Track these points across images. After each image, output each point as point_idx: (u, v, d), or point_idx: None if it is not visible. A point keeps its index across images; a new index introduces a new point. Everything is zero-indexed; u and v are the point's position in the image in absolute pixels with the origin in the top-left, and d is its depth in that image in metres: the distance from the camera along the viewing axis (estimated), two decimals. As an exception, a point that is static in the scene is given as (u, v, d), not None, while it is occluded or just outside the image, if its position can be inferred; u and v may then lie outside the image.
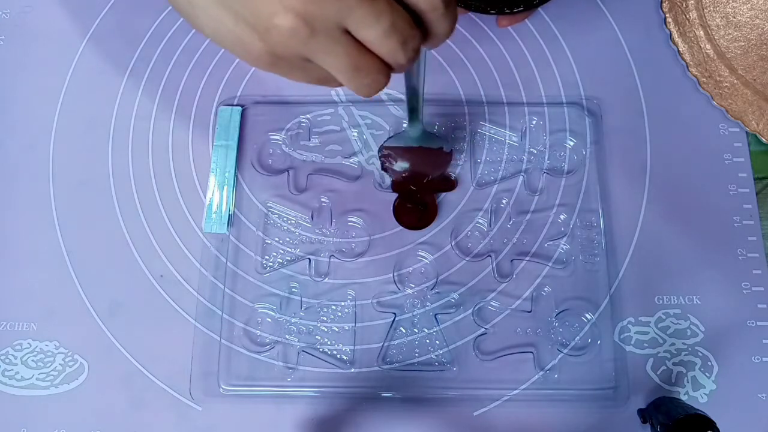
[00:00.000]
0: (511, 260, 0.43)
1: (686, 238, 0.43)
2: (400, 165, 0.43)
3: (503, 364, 0.41)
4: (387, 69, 0.29)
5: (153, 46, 0.48)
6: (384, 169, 0.44)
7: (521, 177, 0.44)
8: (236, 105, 0.46)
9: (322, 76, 0.30)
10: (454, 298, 0.42)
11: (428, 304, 0.42)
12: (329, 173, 0.45)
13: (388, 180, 0.44)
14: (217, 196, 0.44)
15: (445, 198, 0.44)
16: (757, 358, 0.41)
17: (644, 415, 0.39)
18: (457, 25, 0.30)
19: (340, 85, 0.30)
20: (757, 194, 0.44)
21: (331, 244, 0.43)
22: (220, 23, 0.29)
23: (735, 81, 0.46)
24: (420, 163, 0.43)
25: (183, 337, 0.41)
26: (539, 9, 0.48)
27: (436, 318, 0.42)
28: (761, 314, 0.42)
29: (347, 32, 0.27)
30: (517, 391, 0.40)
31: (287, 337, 0.41)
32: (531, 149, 0.45)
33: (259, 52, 0.28)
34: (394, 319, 0.42)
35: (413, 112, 0.38)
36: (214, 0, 0.29)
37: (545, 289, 0.42)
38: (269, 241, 0.43)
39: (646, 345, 0.41)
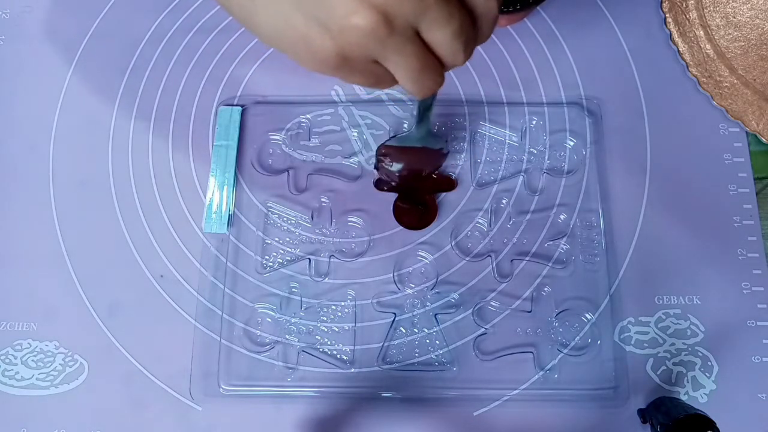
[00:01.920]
0: (511, 260, 0.43)
1: (686, 238, 0.43)
2: (396, 166, 0.43)
3: (503, 364, 0.41)
4: (443, 69, 0.30)
5: (153, 46, 0.48)
6: (377, 168, 0.44)
7: (521, 177, 0.44)
8: (236, 105, 0.46)
9: (381, 78, 0.30)
10: (454, 298, 0.42)
11: (428, 304, 0.42)
12: (329, 173, 0.45)
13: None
14: (217, 196, 0.44)
15: (445, 198, 0.44)
16: (757, 358, 0.41)
17: (644, 415, 0.39)
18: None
19: (391, 86, 0.30)
20: (757, 194, 0.44)
21: (331, 244, 0.43)
22: (286, 22, 0.28)
23: (735, 81, 0.46)
24: (416, 162, 0.43)
25: (183, 337, 0.41)
26: (538, 8, 0.48)
27: (436, 318, 0.42)
28: (761, 314, 0.42)
29: (417, 33, 0.28)
30: (517, 391, 0.40)
31: (287, 337, 0.41)
32: (531, 149, 0.45)
33: (327, 54, 0.28)
34: (394, 319, 0.42)
35: (426, 111, 0.38)
36: None
37: (545, 289, 0.42)
38: (269, 241, 0.43)
39: (646, 345, 0.41)
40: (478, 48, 0.47)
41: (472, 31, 0.28)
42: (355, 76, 0.30)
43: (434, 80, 0.30)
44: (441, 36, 0.27)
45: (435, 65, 0.29)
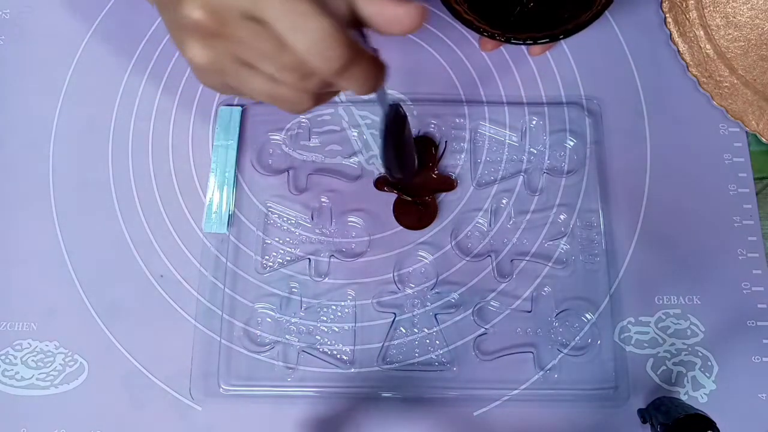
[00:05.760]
0: (511, 260, 0.43)
1: (686, 238, 0.43)
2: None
3: (503, 364, 0.41)
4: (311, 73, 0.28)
5: (153, 45, 0.48)
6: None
7: (521, 177, 0.44)
8: (236, 105, 0.46)
9: (265, 85, 0.29)
10: (454, 298, 0.42)
11: (428, 304, 0.42)
12: (329, 173, 0.45)
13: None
14: (217, 196, 0.44)
15: (445, 198, 0.44)
16: (757, 358, 0.41)
17: (644, 415, 0.39)
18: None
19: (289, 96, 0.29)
20: (757, 194, 0.44)
21: (331, 244, 0.43)
22: (169, 29, 0.29)
23: (735, 81, 0.46)
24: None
25: (183, 337, 0.41)
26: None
27: (436, 318, 0.42)
28: (761, 314, 0.42)
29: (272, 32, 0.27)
30: (517, 391, 0.40)
31: (287, 337, 0.41)
32: (531, 149, 0.45)
33: (195, 54, 0.28)
34: (394, 319, 0.42)
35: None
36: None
37: (545, 289, 0.42)
38: (269, 241, 0.43)
39: (646, 345, 0.41)
40: (478, 47, 0.47)
41: (320, 22, 0.25)
42: (241, 84, 0.29)
43: (304, 83, 0.28)
44: (278, 26, 0.25)
45: (295, 64, 0.27)
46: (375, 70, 0.28)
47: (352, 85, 0.28)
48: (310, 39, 0.25)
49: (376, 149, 0.45)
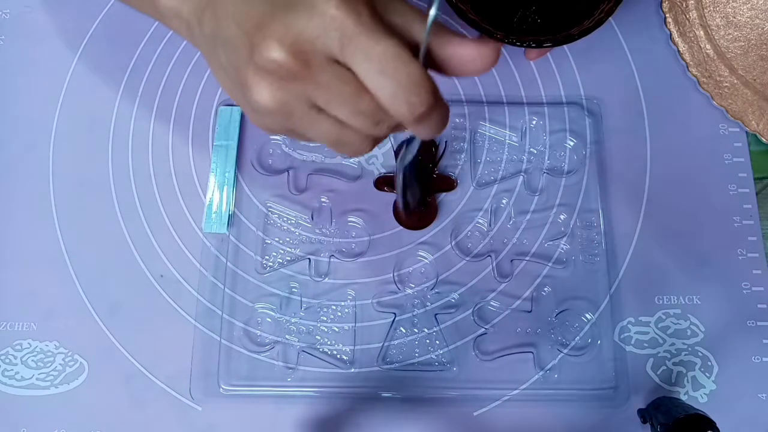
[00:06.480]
0: (511, 260, 0.43)
1: (686, 238, 0.43)
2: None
3: (503, 364, 0.41)
4: (384, 118, 0.27)
5: (153, 46, 0.48)
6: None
7: (521, 177, 0.44)
8: (236, 105, 0.46)
9: (331, 130, 0.28)
10: (454, 298, 0.42)
11: (428, 304, 0.42)
12: (329, 173, 0.45)
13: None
14: (217, 196, 0.44)
15: (445, 198, 0.44)
16: (757, 358, 0.41)
17: (644, 415, 0.39)
18: (458, 26, 0.29)
19: (353, 142, 0.28)
20: (757, 194, 0.44)
21: (331, 244, 0.43)
22: (223, 74, 0.28)
23: (735, 81, 0.46)
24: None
25: (183, 337, 0.41)
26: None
27: (436, 318, 0.42)
28: (761, 314, 0.42)
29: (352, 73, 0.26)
30: (517, 391, 0.40)
31: (287, 337, 0.41)
32: (531, 149, 0.45)
33: (262, 98, 0.26)
34: (394, 319, 0.42)
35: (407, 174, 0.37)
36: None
37: (545, 289, 0.42)
38: (269, 241, 0.43)
39: (646, 345, 0.41)
40: (478, 48, 0.47)
41: (411, 68, 0.25)
42: (305, 127, 0.28)
43: (373, 129, 0.27)
44: (365, 70, 0.25)
45: (371, 109, 0.26)
46: (447, 115, 0.27)
47: (424, 131, 0.27)
48: (398, 84, 0.24)
49: (375, 149, 0.45)
